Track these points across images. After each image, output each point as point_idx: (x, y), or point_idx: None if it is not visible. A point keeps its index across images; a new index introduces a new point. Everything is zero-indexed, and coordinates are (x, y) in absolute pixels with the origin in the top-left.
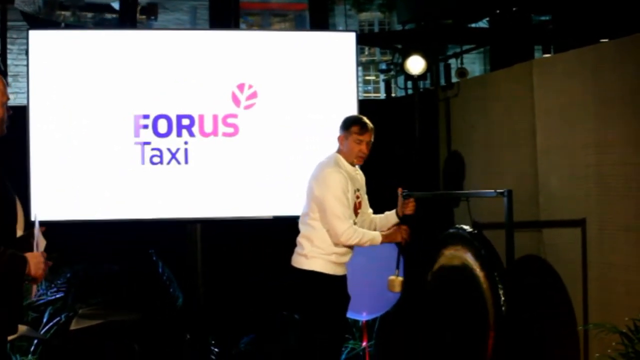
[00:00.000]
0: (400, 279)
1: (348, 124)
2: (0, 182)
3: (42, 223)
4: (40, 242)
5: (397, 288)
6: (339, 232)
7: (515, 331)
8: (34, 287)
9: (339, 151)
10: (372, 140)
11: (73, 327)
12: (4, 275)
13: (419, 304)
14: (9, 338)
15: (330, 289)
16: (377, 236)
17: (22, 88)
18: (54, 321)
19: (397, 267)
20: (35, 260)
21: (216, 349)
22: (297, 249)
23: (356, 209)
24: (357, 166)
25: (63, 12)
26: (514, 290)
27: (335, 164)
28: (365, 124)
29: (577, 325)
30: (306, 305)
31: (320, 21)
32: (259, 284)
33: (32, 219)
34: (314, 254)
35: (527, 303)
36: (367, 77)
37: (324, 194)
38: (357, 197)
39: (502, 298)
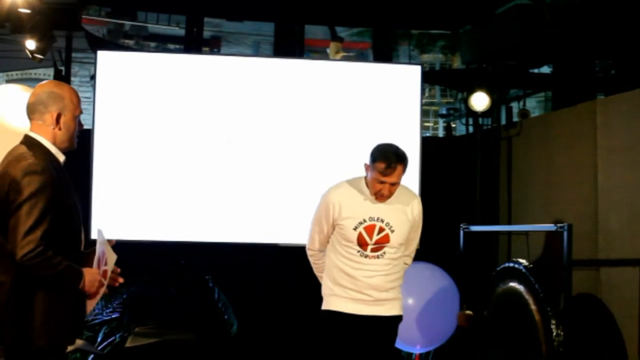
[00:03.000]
0: (470, 312)
1: (374, 157)
2: (72, 195)
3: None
4: (108, 257)
5: (465, 322)
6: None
7: None
8: (88, 304)
9: (366, 176)
10: (399, 181)
11: (129, 344)
12: (60, 285)
13: (475, 336)
14: (68, 349)
15: (330, 328)
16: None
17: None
18: (109, 340)
19: (464, 302)
20: (91, 276)
21: None
22: None
23: (361, 240)
24: (396, 193)
25: (127, 41)
26: (566, 325)
27: (341, 184)
28: (392, 164)
29: None
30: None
31: (383, 60)
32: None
33: (97, 235)
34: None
35: (579, 339)
36: (426, 124)
37: None
38: (370, 228)
39: (554, 332)
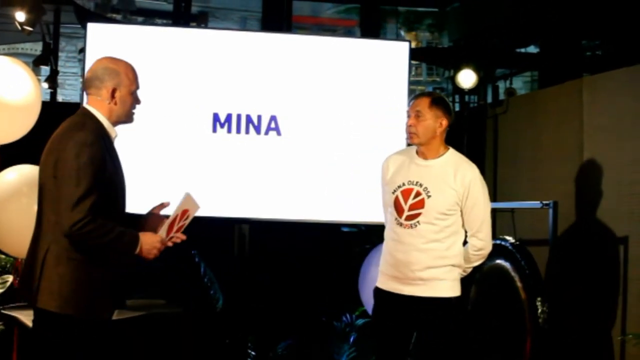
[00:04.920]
0: None
1: None
2: (119, 170)
3: None
4: (191, 210)
5: None
6: None
7: (551, 341)
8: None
9: None
10: (424, 113)
11: (114, 317)
12: (114, 252)
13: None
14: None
15: (375, 305)
16: None
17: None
18: None
19: None
20: (149, 242)
21: (253, 352)
22: None
23: (398, 205)
24: (443, 159)
25: (114, 15)
26: (550, 302)
27: (400, 150)
28: (417, 95)
29: (612, 338)
30: None
31: (370, 37)
32: (301, 289)
33: (182, 197)
34: None
35: (564, 314)
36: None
37: None
38: (407, 192)
39: (539, 309)
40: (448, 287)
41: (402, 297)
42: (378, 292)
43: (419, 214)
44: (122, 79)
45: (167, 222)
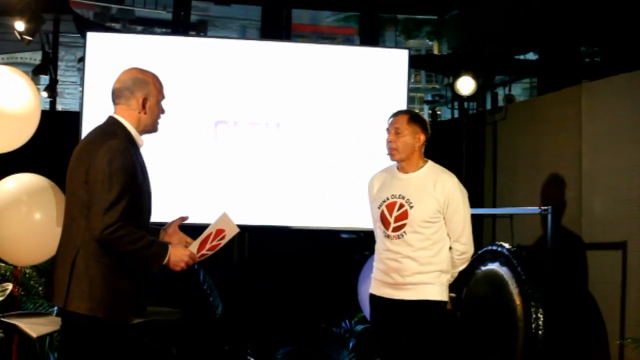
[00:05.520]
0: (452, 295)
1: None
2: (147, 178)
3: None
4: (228, 231)
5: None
6: None
7: (545, 347)
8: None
9: None
10: (403, 130)
11: None
12: (143, 260)
13: (453, 317)
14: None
15: (370, 310)
16: None
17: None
18: None
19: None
20: (178, 255)
21: (252, 359)
22: None
23: (384, 218)
24: (422, 171)
25: (114, 24)
26: (548, 308)
27: (384, 168)
28: (396, 112)
29: (609, 344)
30: None
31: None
32: (300, 295)
33: (220, 215)
34: None
35: (560, 320)
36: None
37: None
38: (391, 205)
39: (533, 315)
40: (437, 291)
41: (394, 302)
42: (372, 298)
43: (404, 225)
44: (151, 89)
45: (200, 238)
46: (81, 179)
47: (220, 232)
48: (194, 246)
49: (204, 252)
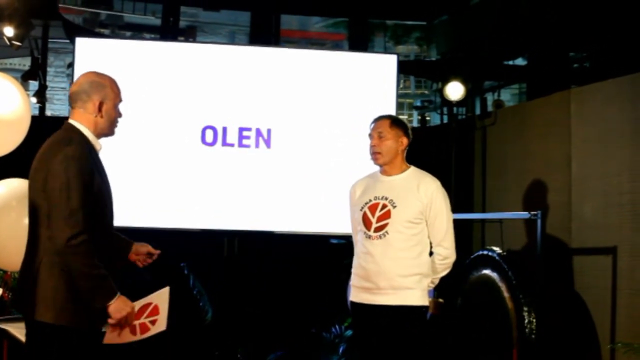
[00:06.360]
0: (441, 300)
1: None
2: (106, 182)
3: None
4: (162, 312)
5: (437, 310)
6: None
7: (538, 351)
8: (108, 335)
9: None
10: (386, 134)
11: (104, 329)
12: (87, 290)
13: (448, 323)
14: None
15: (352, 318)
16: None
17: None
18: None
19: (436, 290)
20: (123, 304)
21: None
22: None
23: (366, 220)
24: (406, 174)
25: (103, 30)
26: (539, 313)
27: (366, 175)
28: (378, 117)
29: (600, 348)
30: None
31: (358, 51)
32: (290, 300)
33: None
34: None
35: (552, 325)
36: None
37: None
38: (374, 206)
39: (526, 320)
40: (418, 296)
41: (374, 307)
42: (352, 305)
43: (386, 225)
44: (108, 92)
45: (143, 302)
46: (39, 188)
47: (155, 311)
48: (138, 305)
49: (142, 319)
